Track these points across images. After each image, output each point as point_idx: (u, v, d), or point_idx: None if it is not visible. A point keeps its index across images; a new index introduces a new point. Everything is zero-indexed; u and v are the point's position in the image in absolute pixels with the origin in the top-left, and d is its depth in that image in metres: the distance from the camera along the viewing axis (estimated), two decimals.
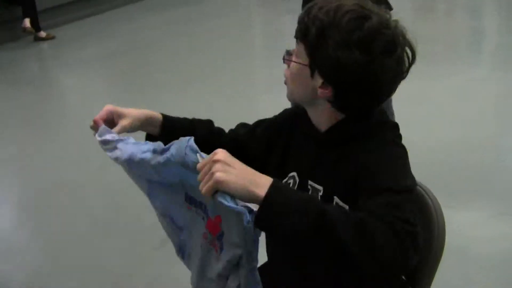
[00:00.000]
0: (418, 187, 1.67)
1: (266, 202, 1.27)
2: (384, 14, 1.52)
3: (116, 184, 4.26)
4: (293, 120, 1.75)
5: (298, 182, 1.66)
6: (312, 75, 1.53)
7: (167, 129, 1.81)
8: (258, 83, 6.02)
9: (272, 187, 1.28)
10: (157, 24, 8.99)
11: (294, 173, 1.67)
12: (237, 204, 1.29)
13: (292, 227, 1.26)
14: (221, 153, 1.32)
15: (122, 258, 3.40)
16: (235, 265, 1.46)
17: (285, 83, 1.64)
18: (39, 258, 3.58)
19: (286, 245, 1.57)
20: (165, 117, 1.84)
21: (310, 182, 1.61)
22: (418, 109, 4.92)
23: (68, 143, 5.11)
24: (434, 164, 3.87)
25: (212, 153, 1.33)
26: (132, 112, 1.81)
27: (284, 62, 1.62)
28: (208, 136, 1.86)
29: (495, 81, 5.56)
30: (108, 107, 1.80)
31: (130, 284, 3.21)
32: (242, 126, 1.97)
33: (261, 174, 1.32)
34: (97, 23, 9.60)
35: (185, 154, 1.41)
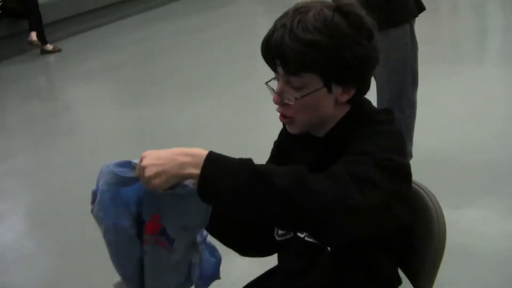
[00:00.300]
0: (417, 187, 1.67)
1: (202, 178, 1.31)
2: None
3: None
4: (288, 134, 1.72)
5: None
6: (329, 91, 1.53)
7: None
8: (263, 93, 6.02)
9: (205, 162, 1.32)
10: (162, 35, 9.04)
11: None
12: (185, 186, 1.39)
13: (227, 187, 1.30)
14: (146, 158, 1.37)
15: None
16: (193, 244, 1.54)
17: (286, 123, 1.60)
18: (49, 266, 3.61)
19: (232, 214, 1.48)
20: None
21: None
22: (422, 109, 4.89)
23: (76, 153, 5.14)
24: (439, 164, 3.86)
25: (141, 157, 1.39)
26: None
27: (293, 103, 1.54)
28: None
29: (499, 80, 5.55)
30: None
31: None
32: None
33: (187, 152, 1.34)
34: (102, 35, 9.66)
35: (116, 174, 1.48)
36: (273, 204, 1.29)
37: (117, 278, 1.69)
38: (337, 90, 1.54)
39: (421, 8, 3.50)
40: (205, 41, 8.36)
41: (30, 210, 4.42)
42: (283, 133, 1.78)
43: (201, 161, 1.32)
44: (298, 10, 1.52)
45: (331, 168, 1.37)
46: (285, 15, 1.53)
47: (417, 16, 3.47)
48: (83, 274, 3.43)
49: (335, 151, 1.55)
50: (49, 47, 8.77)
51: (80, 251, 3.65)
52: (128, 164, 1.47)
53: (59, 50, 8.81)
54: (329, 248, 1.55)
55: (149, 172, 1.35)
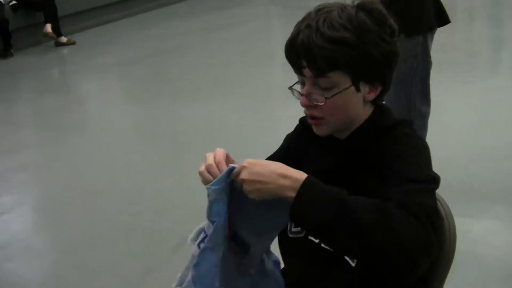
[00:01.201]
0: None
1: (295, 204, 1.38)
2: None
3: (133, 189, 4.31)
4: (301, 137, 1.73)
5: None
6: (358, 90, 1.54)
7: None
8: (276, 94, 6.02)
9: (301, 188, 1.38)
10: (176, 32, 9.05)
11: None
12: None
13: (317, 218, 1.35)
14: (246, 170, 1.44)
15: (138, 262, 3.42)
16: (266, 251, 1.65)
17: (316, 124, 1.59)
18: (56, 260, 3.62)
19: (319, 237, 1.52)
20: None
21: None
22: (436, 117, 4.89)
23: (86, 148, 5.15)
24: (450, 172, 3.84)
25: (240, 165, 1.47)
26: None
27: (324, 103, 1.53)
28: None
29: None
30: (224, 152, 1.65)
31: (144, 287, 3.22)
32: None
33: (287, 173, 1.41)
34: (116, 30, 9.68)
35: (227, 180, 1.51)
36: (355, 240, 1.32)
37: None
38: (364, 88, 1.55)
39: (443, 21, 3.48)
40: (219, 41, 8.36)
41: (39, 203, 4.44)
42: (295, 137, 1.77)
43: (298, 186, 1.38)
44: (321, 11, 1.53)
45: (397, 197, 1.36)
46: (307, 17, 1.54)
47: (433, 29, 3.44)
48: (88, 269, 3.44)
49: (357, 154, 1.57)
50: (64, 39, 8.80)
51: (87, 246, 3.66)
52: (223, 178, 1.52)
53: (73, 43, 8.85)
54: (353, 263, 1.52)
55: (248, 187, 1.44)
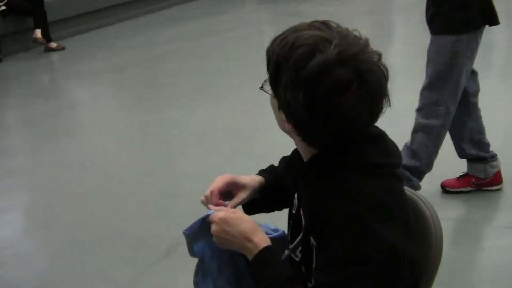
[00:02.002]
0: (414, 196, 1.67)
1: (249, 268, 1.54)
2: (347, 44, 1.38)
3: (122, 194, 4.30)
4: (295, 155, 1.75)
5: (297, 205, 1.64)
6: (278, 108, 1.48)
7: (265, 192, 1.84)
8: (267, 99, 6.01)
9: (256, 257, 1.51)
10: (167, 38, 9.05)
11: (295, 195, 1.66)
12: None
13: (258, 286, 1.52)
14: (218, 225, 1.56)
15: (127, 267, 3.41)
16: None
17: None
18: (44, 266, 3.60)
19: None
20: (267, 181, 1.85)
21: (301, 211, 1.58)
22: None
23: (76, 154, 5.14)
24: (440, 175, 3.86)
25: (215, 217, 1.58)
26: (250, 182, 1.80)
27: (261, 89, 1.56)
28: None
29: (502, 95, 5.55)
30: (227, 178, 1.77)
31: None
32: (282, 161, 1.94)
33: (252, 238, 1.52)
34: (107, 35, 9.68)
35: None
36: None
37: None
38: (282, 114, 1.49)
39: (490, 21, 3.42)
40: (209, 46, 8.37)
41: (29, 208, 4.42)
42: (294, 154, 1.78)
43: (254, 254, 1.52)
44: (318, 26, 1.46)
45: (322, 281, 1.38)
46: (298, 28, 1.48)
47: (479, 28, 3.40)
48: (78, 273, 3.43)
49: (315, 183, 1.51)
50: (53, 45, 8.79)
51: (76, 251, 3.65)
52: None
53: (63, 48, 8.83)
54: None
55: (216, 239, 1.58)
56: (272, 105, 1.54)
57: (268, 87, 1.52)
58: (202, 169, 4.48)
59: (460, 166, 3.81)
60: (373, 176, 1.43)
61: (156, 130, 5.51)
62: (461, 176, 3.80)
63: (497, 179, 3.76)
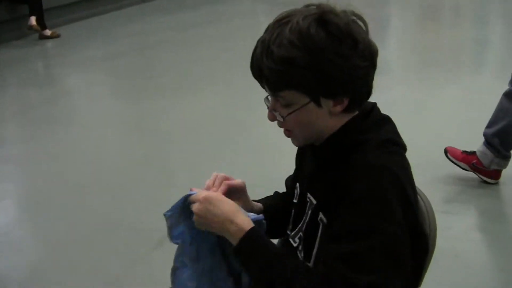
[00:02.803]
0: None
1: (235, 251, 1.50)
2: (307, 10, 1.47)
3: (115, 183, 4.29)
4: (300, 148, 1.77)
5: (299, 193, 1.67)
6: (319, 105, 1.48)
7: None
8: (261, 91, 6.01)
9: (241, 240, 1.48)
10: (162, 27, 9.02)
11: (297, 184, 1.70)
12: None
13: (250, 269, 1.51)
14: (196, 205, 1.55)
15: (120, 258, 3.41)
16: None
17: (289, 136, 1.58)
18: (37, 256, 3.59)
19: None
20: (265, 206, 1.82)
21: (308, 195, 1.60)
22: (419, 116, 4.93)
23: (70, 143, 5.12)
24: (433, 171, 3.87)
25: (198, 195, 1.56)
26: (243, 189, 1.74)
27: (283, 120, 1.52)
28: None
29: (496, 91, 5.54)
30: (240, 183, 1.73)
31: (126, 283, 3.21)
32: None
33: (236, 221, 1.49)
34: (102, 23, 9.64)
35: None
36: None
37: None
38: (327, 102, 1.48)
39: None
40: (205, 37, 8.34)
41: (21, 197, 4.41)
42: (299, 150, 1.81)
43: (240, 236, 1.48)
44: (278, 22, 1.47)
45: (329, 264, 1.38)
46: (267, 28, 1.49)
47: None
48: (70, 264, 3.42)
49: (326, 163, 1.55)
50: (48, 32, 8.74)
51: (68, 241, 3.64)
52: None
53: (57, 36, 8.78)
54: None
55: (196, 219, 1.54)
56: (305, 118, 1.50)
57: (301, 100, 1.48)
58: (196, 160, 4.48)
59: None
60: (388, 152, 1.48)
61: (150, 119, 5.50)
62: (467, 151, 3.82)
63: (495, 174, 3.78)
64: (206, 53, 7.55)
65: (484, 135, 3.79)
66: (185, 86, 6.28)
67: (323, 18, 1.43)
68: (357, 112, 1.55)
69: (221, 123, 5.20)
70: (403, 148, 1.55)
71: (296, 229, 1.64)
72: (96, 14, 10.00)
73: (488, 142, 3.74)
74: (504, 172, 3.83)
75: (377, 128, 1.53)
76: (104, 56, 7.73)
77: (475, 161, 3.77)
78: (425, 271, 1.63)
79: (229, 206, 1.52)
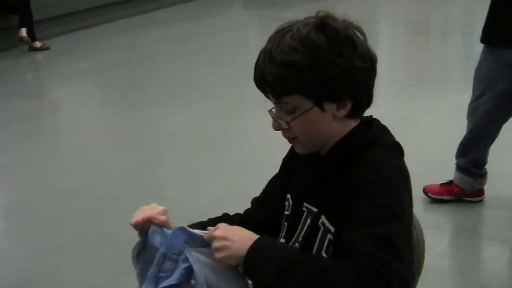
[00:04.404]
0: None
1: (246, 261, 1.43)
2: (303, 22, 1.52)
3: (103, 195, 4.28)
4: (292, 156, 1.75)
5: (292, 204, 1.68)
6: (322, 110, 1.52)
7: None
8: (251, 103, 6.02)
9: (250, 249, 1.42)
10: (152, 40, 9.03)
11: (289, 196, 1.71)
12: None
13: (261, 278, 1.42)
14: (219, 230, 1.48)
15: (107, 268, 3.40)
16: None
17: (293, 143, 1.63)
18: (24, 264, 3.57)
19: None
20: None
21: (305, 204, 1.61)
22: (408, 132, 4.94)
23: (57, 153, 5.12)
24: (419, 186, 3.88)
25: (214, 229, 1.49)
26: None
27: (288, 127, 1.55)
28: None
29: None
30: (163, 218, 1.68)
31: None
32: (253, 202, 1.90)
33: (253, 238, 1.44)
34: (92, 36, 9.64)
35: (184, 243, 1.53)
36: None
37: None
38: (330, 107, 1.52)
39: None
40: (194, 49, 8.36)
41: (6, 207, 4.39)
42: (288, 157, 1.80)
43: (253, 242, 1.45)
44: (279, 32, 1.52)
45: (354, 246, 1.35)
46: (269, 40, 1.53)
47: None
48: (56, 274, 3.41)
49: (333, 170, 1.56)
50: (38, 44, 8.73)
51: (55, 251, 3.63)
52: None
53: (47, 48, 8.78)
54: None
55: (218, 244, 1.46)
56: (310, 122, 1.53)
57: (304, 105, 1.51)
58: (184, 172, 4.48)
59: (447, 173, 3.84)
60: (396, 155, 1.55)
61: (138, 131, 5.49)
62: (444, 183, 3.81)
63: (479, 192, 3.77)
64: (196, 65, 7.57)
65: (456, 163, 3.77)
66: (174, 98, 6.28)
67: (322, 24, 1.49)
68: (359, 121, 1.59)
69: (210, 135, 5.20)
70: (403, 153, 1.59)
71: (292, 240, 1.64)
72: (86, 26, 10.00)
73: (460, 169, 3.73)
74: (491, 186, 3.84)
75: (383, 133, 1.59)
76: (93, 68, 7.73)
77: (456, 189, 3.76)
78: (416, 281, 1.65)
79: (248, 231, 1.50)
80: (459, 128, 5.03)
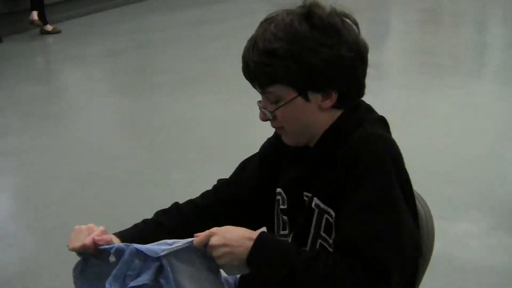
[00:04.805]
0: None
1: (250, 259, 1.43)
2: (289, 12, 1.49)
3: (113, 180, 4.28)
4: (276, 148, 1.70)
5: (287, 198, 1.64)
6: (307, 100, 1.49)
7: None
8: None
9: (250, 254, 1.42)
10: (163, 25, 9.01)
11: (280, 190, 1.66)
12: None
13: (267, 274, 1.43)
14: (214, 237, 1.44)
15: None
16: None
17: (281, 134, 1.58)
18: (31, 249, 3.58)
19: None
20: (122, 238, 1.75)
21: (305, 193, 1.59)
22: (419, 120, 4.92)
23: (67, 138, 5.12)
24: (433, 176, 3.86)
25: (208, 232, 1.45)
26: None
27: (272, 117, 1.53)
28: (193, 218, 1.74)
29: (497, 96, 5.56)
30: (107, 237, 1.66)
31: None
32: (223, 183, 1.80)
33: (251, 237, 1.44)
34: (103, 20, 9.62)
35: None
36: None
37: None
38: (315, 97, 1.49)
39: None
40: (205, 35, 8.33)
41: (14, 192, 4.40)
42: (270, 148, 1.74)
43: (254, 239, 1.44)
44: (266, 21, 1.51)
45: (350, 242, 1.38)
46: (257, 27, 1.53)
47: None
48: (65, 258, 3.40)
49: (322, 160, 1.54)
50: (49, 27, 8.72)
51: (64, 235, 3.60)
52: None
53: (58, 32, 8.77)
54: None
55: (217, 253, 1.44)
56: (294, 112, 1.51)
57: (288, 95, 1.49)
58: (192, 158, 4.47)
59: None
60: (383, 127, 1.54)
61: (147, 116, 5.49)
62: None
63: None
64: (208, 51, 7.54)
65: None
66: (185, 84, 6.27)
67: (308, 12, 1.47)
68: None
69: (218, 121, 5.19)
70: (388, 126, 1.58)
71: (287, 231, 1.63)
72: (97, 10, 9.99)
73: None
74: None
75: (368, 112, 1.56)
76: (104, 52, 7.73)
77: None
78: (421, 275, 1.63)
79: (243, 229, 1.48)
80: (470, 115, 5.03)
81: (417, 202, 1.62)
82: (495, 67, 6.72)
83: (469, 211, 3.67)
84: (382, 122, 1.56)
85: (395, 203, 1.41)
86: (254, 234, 1.45)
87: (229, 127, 5.06)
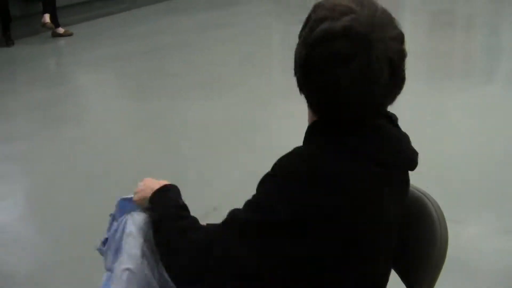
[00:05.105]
0: (420, 195, 1.65)
1: (149, 202, 1.86)
2: (364, 19, 1.36)
3: (125, 183, 4.27)
4: None
5: None
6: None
7: None
8: (275, 93, 6.00)
9: (152, 193, 1.86)
10: (176, 29, 9.02)
11: None
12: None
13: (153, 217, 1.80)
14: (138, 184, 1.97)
15: None
16: None
17: None
18: (44, 251, 3.59)
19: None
20: None
21: None
22: (431, 122, 4.90)
23: (80, 141, 5.12)
24: (444, 178, 3.84)
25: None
26: None
27: None
28: None
29: (509, 99, 5.53)
30: None
31: None
32: None
33: (161, 182, 1.92)
34: (115, 23, 9.65)
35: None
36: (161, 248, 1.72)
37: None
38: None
39: None
40: (217, 39, 8.33)
41: (28, 194, 4.40)
42: None
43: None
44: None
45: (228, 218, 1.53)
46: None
47: None
48: (78, 260, 3.41)
49: None
50: (61, 30, 8.76)
51: (76, 238, 3.64)
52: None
53: (70, 34, 8.80)
54: None
55: (137, 190, 1.95)
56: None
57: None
58: (205, 159, 4.47)
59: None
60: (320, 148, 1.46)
61: (159, 120, 5.49)
62: None
63: None
64: (220, 54, 7.54)
65: None
66: (198, 88, 6.27)
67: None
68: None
69: (232, 123, 5.19)
70: (383, 166, 1.46)
71: None
72: (109, 13, 10.02)
73: None
74: None
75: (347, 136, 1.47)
76: (115, 55, 7.74)
77: None
78: (435, 282, 1.62)
79: (157, 180, 1.93)
80: (484, 119, 5.01)
81: (430, 207, 1.60)
82: (507, 69, 6.68)
83: (482, 213, 3.65)
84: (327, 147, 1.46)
85: (241, 222, 1.48)
86: (162, 183, 1.87)
87: (244, 128, 5.05)
